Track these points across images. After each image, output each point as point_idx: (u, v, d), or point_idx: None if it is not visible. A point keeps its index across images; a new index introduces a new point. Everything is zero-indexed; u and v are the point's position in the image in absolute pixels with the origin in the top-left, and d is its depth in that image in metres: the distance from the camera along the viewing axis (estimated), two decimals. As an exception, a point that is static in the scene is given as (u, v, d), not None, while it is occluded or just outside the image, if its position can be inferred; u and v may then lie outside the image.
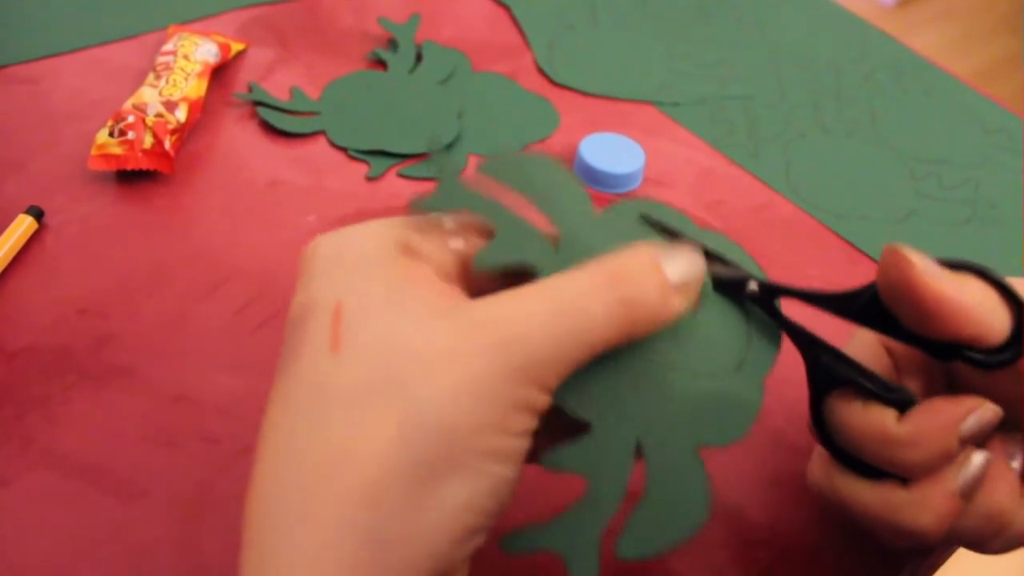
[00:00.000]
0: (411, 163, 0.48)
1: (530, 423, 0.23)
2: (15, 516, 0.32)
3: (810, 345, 0.29)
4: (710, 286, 0.28)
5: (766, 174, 0.51)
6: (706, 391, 0.26)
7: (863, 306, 0.28)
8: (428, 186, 0.47)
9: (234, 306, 0.40)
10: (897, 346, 0.31)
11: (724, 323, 0.28)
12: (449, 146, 0.49)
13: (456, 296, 0.24)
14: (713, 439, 0.25)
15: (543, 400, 0.23)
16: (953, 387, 0.30)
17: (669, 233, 0.28)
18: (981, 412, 0.27)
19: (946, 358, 0.28)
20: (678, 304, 0.25)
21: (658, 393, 0.25)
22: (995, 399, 0.28)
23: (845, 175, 0.52)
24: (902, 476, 0.28)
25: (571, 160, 0.50)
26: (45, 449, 0.34)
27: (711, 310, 0.27)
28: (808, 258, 0.46)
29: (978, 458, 0.27)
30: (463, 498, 0.22)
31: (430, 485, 0.22)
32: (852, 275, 0.46)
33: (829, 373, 0.29)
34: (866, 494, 0.29)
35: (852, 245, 0.48)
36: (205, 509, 0.33)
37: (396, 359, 0.22)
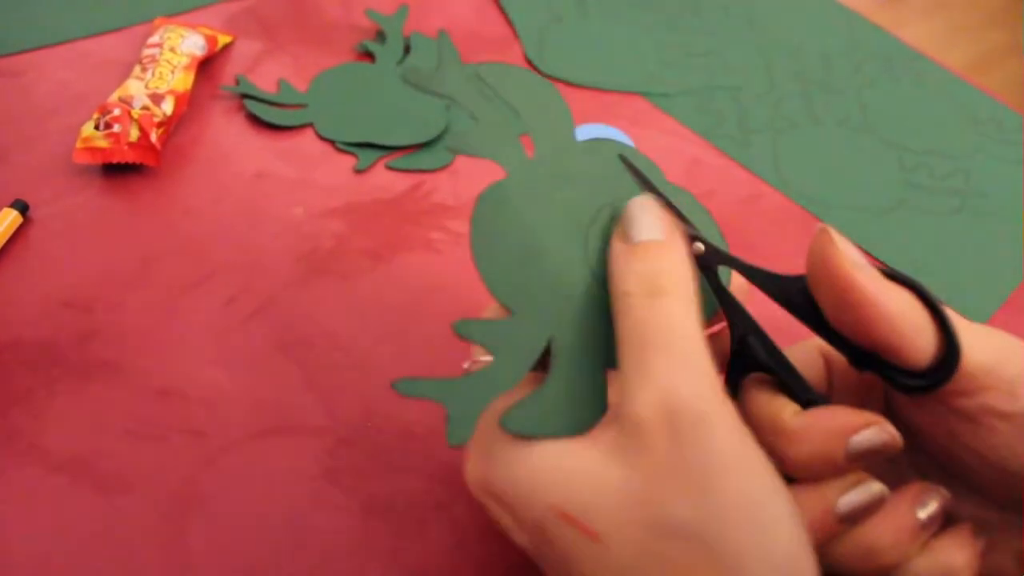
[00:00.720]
0: (399, 155, 0.48)
1: (748, 430, 0.24)
2: (-1, 511, 0.32)
3: (742, 320, 0.28)
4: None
5: (755, 164, 0.51)
6: None
7: (797, 293, 0.27)
8: (421, 176, 0.47)
9: (221, 299, 0.40)
10: (838, 364, 0.31)
11: None
12: (437, 138, 0.49)
13: (596, 431, 0.25)
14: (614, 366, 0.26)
15: (731, 403, 0.24)
16: (887, 417, 0.28)
17: (641, 180, 0.29)
18: (876, 431, 0.25)
19: (863, 366, 0.27)
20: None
21: (583, 315, 0.26)
22: (929, 443, 0.27)
23: (835, 165, 0.52)
24: (787, 472, 0.26)
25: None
26: (29, 443, 0.34)
27: None
28: (797, 248, 0.46)
29: (873, 487, 0.26)
30: (801, 545, 0.23)
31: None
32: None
33: (752, 355, 0.28)
34: None
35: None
36: (190, 503, 0.33)
37: (640, 510, 0.23)
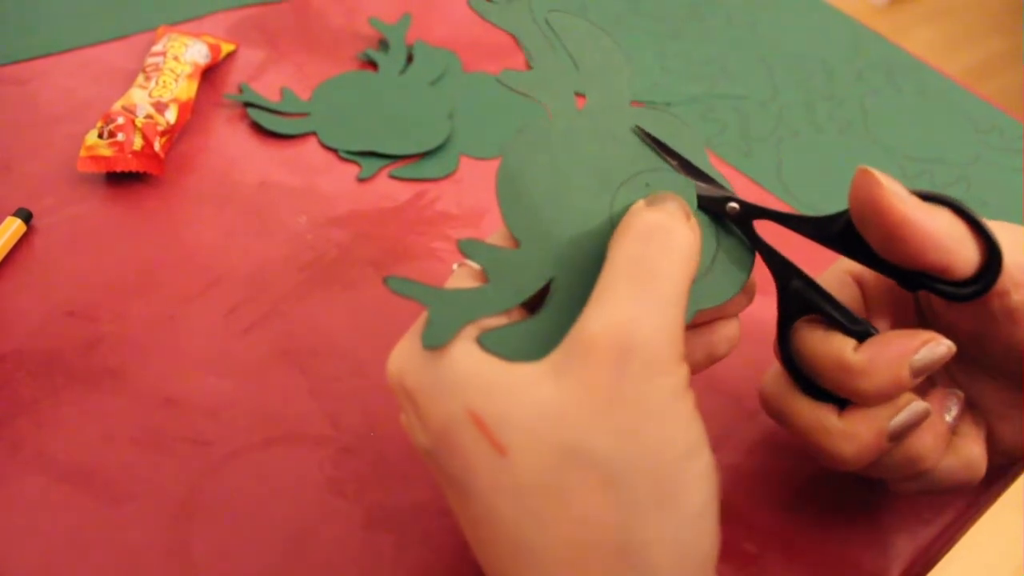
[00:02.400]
0: (402, 164, 0.48)
1: (692, 396, 0.24)
2: (3, 520, 0.32)
3: (783, 269, 0.30)
4: (695, 203, 0.29)
5: (758, 173, 0.51)
6: None
7: (838, 231, 0.29)
8: (424, 185, 0.47)
9: (224, 308, 0.40)
10: (870, 281, 0.33)
11: None
12: (441, 147, 0.49)
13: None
14: None
15: (686, 370, 0.24)
16: (922, 324, 0.31)
17: (665, 150, 0.29)
18: (933, 346, 0.28)
19: (914, 287, 0.29)
20: (695, 231, 0.27)
21: (589, 264, 0.27)
22: (960, 336, 0.29)
23: (837, 174, 0.52)
24: (856, 402, 0.29)
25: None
26: (34, 452, 0.34)
27: None
28: (800, 257, 0.46)
29: (918, 407, 0.29)
30: (696, 503, 0.23)
31: (665, 515, 0.23)
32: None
33: (798, 298, 0.30)
34: (807, 413, 0.30)
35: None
36: (194, 512, 0.33)
37: (557, 430, 0.23)
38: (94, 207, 0.43)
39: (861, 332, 0.29)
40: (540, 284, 0.26)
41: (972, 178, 0.53)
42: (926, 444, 0.29)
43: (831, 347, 0.29)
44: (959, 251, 0.27)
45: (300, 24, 0.56)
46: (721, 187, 0.29)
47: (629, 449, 0.23)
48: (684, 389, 0.24)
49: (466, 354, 0.24)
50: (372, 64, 0.54)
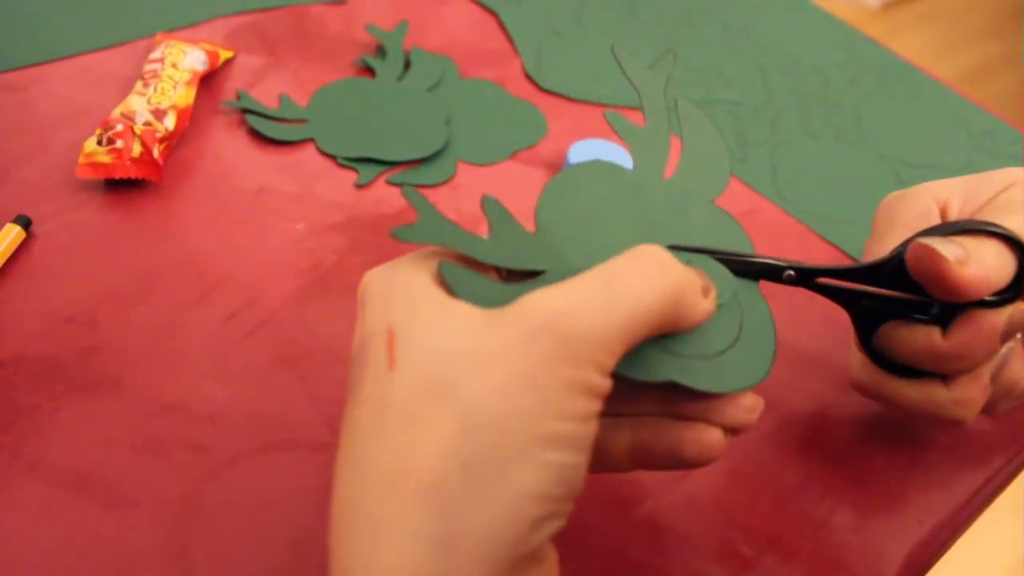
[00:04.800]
0: (400, 170, 0.48)
1: (591, 406, 0.24)
2: (3, 526, 0.32)
3: (850, 297, 0.33)
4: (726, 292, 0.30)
5: (753, 178, 0.52)
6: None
7: (888, 275, 0.32)
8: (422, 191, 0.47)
9: (223, 314, 0.40)
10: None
11: (720, 322, 0.29)
12: (438, 153, 0.49)
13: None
14: None
15: (601, 382, 0.24)
16: None
17: (705, 251, 0.30)
18: (1016, 315, 0.31)
19: (964, 304, 0.31)
20: (709, 305, 0.27)
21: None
22: None
23: (832, 179, 0.52)
24: (955, 376, 0.33)
25: (560, 167, 0.50)
26: (33, 459, 0.34)
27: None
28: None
29: (1005, 349, 0.33)
30: (527, 488, 0.23)
31: (490, 480, 0.22)
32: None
33: (871, 311, 0.33)
34: (912, 394, 0.34)
35: (839, 249, 0.48)
36: (194, 518, 0.33)
37: (446, 365, 0.23)
38: (93, 214, 0.44)
39: (937, 315, 0.32)
40: (532, 266, 0.27)
41: (966, 183, 0.53)
42: (1017, 371, 0.34)
43: (919, 340, 0.32)
44: (1004, 276, 0.30)
45: (298, 31, 0.57)
46: (774, 265, 0.31)
47: (499, 405, 0.23)
48: (585, 396, 0.23)
49: (418, 280, 0.25)
50: (369, 71, 0.54)
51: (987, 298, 0.31)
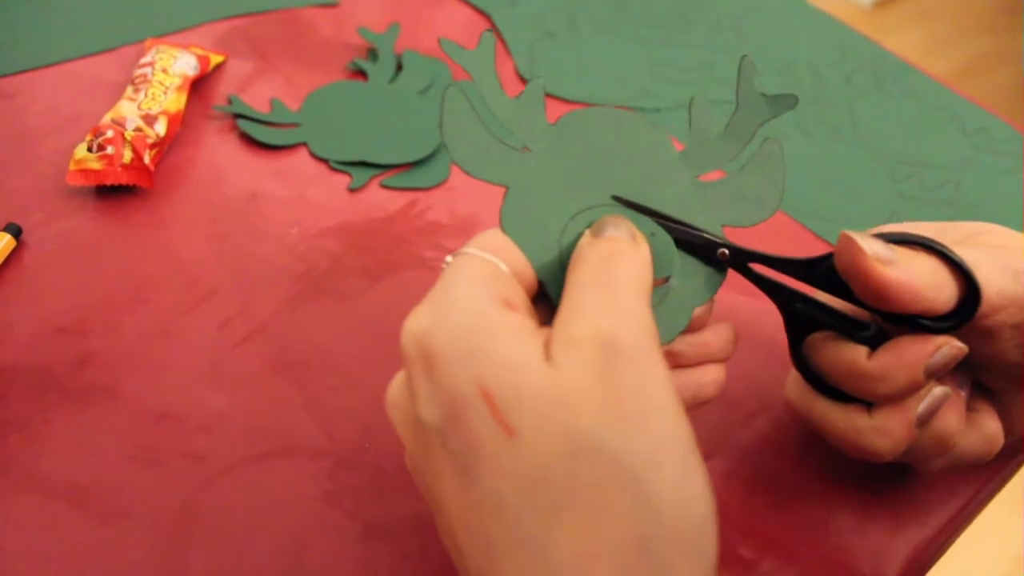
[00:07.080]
0: (393, 173, 0.48)
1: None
2: (-4, 540, 0.32)
3: (784, 295, 0.32)
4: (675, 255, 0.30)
5: (748, 178, 0.51)
6: None
7: (823, 273, 0.31)
8: (415, 194, 0.47)
9: (217, 321, 0.40)
10: None
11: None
12: (431, 156, 0.49)
13: (543, 328, 0.26)
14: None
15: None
16: None
17: (649, 212, 0.31)
18: (947, 349, 0.30)
19: (896, 322, 0.30)
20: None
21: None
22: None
23: (826, 178, 0.52)
24: (877, 403, 0.31)
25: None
26: (26, 471, 0.34)
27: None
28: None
29: (938, 392, 0.31)
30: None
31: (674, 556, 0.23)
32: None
33: (803, 319, 0.32)
34: (835, 417, 0.32)
35: (834, 247, 0.48)
36: (190, 528, 0.33)
37: (561, 419, 0.23)
38: (84, 221, 0.43)
39: (869, 337, 0.31)
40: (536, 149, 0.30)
41: (961, 180, 0.53)
42: (951, 423, 0.31)
43: (844, 357, 0.31)
44: (939, 296, 0.29)
45: (289, 34, 0.56)
46: (712, 234, 0.31)
47: (640, 442, 0.23)
48: (668, 377, 0.24)
49: (489, 319, 0.24)
50: (361, 74, 0.54)
51: (925, 322, 0.30)
